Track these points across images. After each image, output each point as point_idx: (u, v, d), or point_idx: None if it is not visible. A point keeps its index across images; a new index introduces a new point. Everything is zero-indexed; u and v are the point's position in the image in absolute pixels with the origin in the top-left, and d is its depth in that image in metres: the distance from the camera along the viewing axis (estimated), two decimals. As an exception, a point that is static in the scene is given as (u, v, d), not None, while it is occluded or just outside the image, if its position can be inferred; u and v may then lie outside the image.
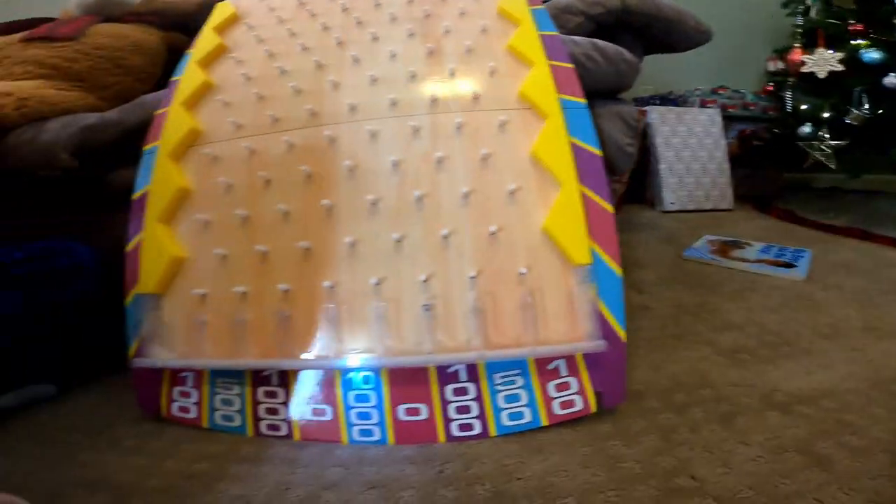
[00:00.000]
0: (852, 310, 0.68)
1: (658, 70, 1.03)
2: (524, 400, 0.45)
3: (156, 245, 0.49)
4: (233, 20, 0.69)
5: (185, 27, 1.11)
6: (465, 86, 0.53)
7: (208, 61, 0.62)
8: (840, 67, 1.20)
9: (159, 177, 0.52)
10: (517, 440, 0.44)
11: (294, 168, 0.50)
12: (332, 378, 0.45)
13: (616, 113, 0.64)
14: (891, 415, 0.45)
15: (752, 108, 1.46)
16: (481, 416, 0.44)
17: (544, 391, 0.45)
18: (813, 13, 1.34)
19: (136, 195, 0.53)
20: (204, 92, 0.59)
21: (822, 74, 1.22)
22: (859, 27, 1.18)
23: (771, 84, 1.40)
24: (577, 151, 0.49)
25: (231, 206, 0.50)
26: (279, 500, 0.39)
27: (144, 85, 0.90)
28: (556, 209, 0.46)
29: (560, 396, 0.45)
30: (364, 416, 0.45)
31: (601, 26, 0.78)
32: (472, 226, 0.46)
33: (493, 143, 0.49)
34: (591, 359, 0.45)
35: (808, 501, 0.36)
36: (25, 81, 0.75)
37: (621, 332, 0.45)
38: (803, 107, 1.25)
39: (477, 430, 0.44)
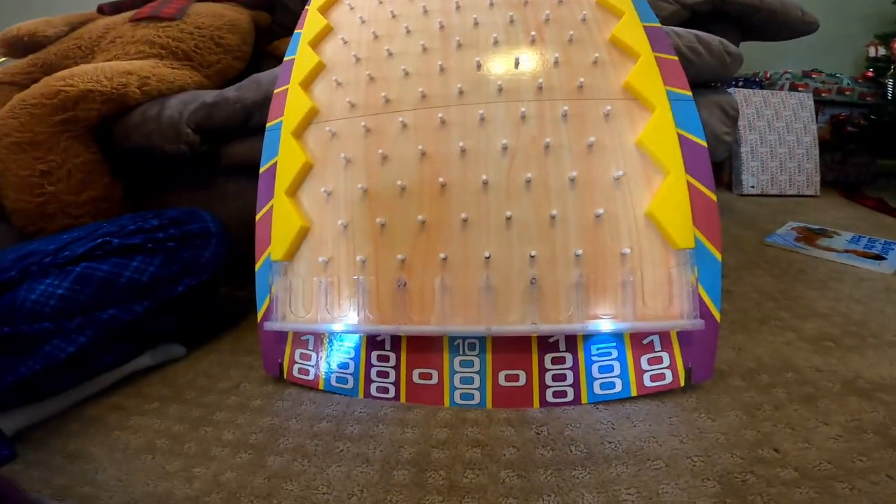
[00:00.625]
0: None
1: (744, 50, 0.99)
2: (617, 371, 0.49)
3: (285, 215, 0.56)
4: (334, 1, 0.73)
5: (269, 5, 1.18)
6: (569, 75, 0.56)
7: (317, 41, 0.68)
8: None
9: (285, 152, 0.59)
10: (606, 408, 0.49)
11: (409, 146, 0.55)
12: (441, 344, 0.52)
13: (716, 103, 0.65)
14: (975, 409, 0.47)
15: (847, 93, 1.38)
16: (575, 385, 0.49)
17: (637, 364, 0.49)
18: None
19: (264, 168, 0.60)
20: (318, 72, 0.64)
21: None
22: None
23: (871, 70, 1.32)
24: (683, 142, 0.51)
25: (351, 180, 0.56)
26: (394, 458, 0.45)
27: (239, 63, 0.98)
28: (661, 195, 0.49)
29: (651, 370, 0.49)
30: (467, 380, 0.51)
31: (696, 14, 0.76)
32: (579, 208, 0.50)
33: (598, 131, 0.52)
34: (685, 336, 0.48)
35: (881, 477, 0.39)
36: (142, 61, 0.83)
37: (716, 314, 0.48)
38: None
39: (570, 397, 0.49)
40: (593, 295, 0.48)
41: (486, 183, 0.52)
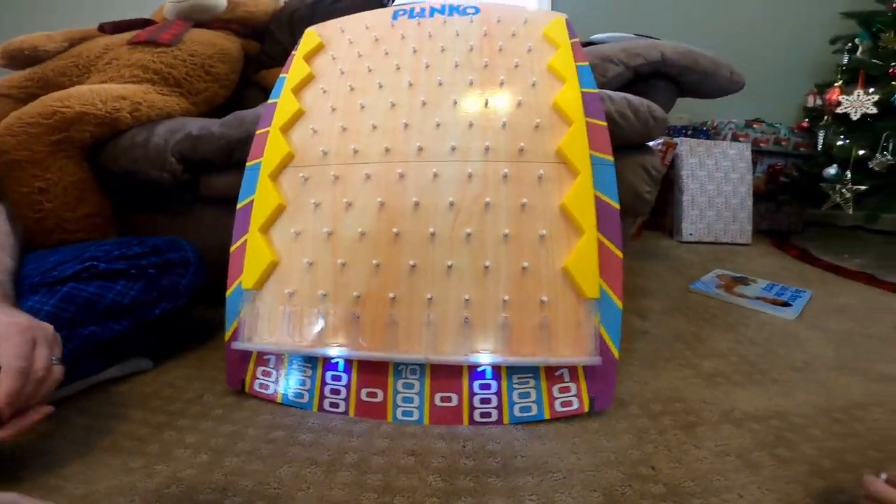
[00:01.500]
0: (830, 349, 0.81)
1: (696, 100, 1.12)
2: (533, 397, 0.60)
3: (258, 250, 0.65)
4: (318, 49, 0.82)
5: (259, 34, 1.26)
6: (513, 138, 0.67)
7: (299, 88, 0.77)
8: (873, 110, 1.26)
9: (261, 192, 0.68)
10: (524, 428, 0.60)
11: (371, 196, 0.65)
12: (387, 368, 0.61)
13: (640, 163, 0.76)
14: (824, 435, 0.59)
15: (783, 143, 1.52)
16: (498, 407, 0.60)
17: (550, 392, 0.60)
18: (860, 52, 1.39)
19: (242, 204, 0.69)
20: (297, 118, 0.73)
21: (854, 116, 1.28)
22: None
23: (806, 120, 1.46)
24: (599, 204, 0.62)
25: (318, 223, 0.65)
26: (339, 462, 0.54)
27: (226, 91, 1.06)
28: (576, 253, 0.60)
29: (561, 397, 0.60)
30: (408, 400, 0.60)
31: (639, 75, 0.89)
32: (509, 261, 0.60)
33: (531, 193, 0.63)
34: (589, 371, 0.59)
35: (733, 495, 0.50)
36: (133, 85, 0.91)
37: (615, 352, 0.59)
38: (838, 144, 1.31)
39: (494, 418, 0.60)
40: (515, 333, 0.59)
41: (433, 234, 0.62)
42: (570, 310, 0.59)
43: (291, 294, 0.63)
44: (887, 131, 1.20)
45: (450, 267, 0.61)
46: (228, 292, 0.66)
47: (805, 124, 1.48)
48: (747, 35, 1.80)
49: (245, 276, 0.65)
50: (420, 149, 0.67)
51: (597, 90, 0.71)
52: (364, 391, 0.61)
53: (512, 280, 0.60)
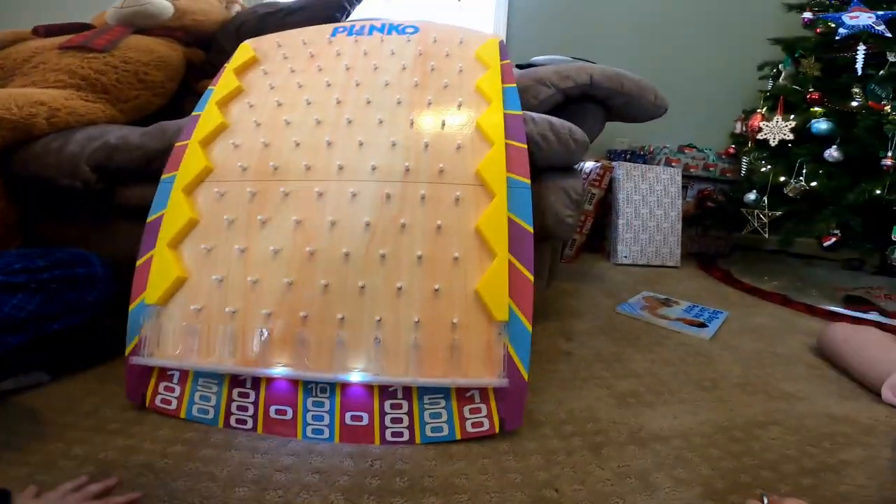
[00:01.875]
0: (738, 368, 0.86)
1: (636, 125, 1.17)
2: (444, 418, 0.60)
3: (164, 265, 0.63)
4: (251, 63, 0.82)
5: (206, 43, 1.24)
6: (434, 159, 0.68)
7: (226, 101, 0.76)
8: (790, 136, 1.34)
9: (173, 207, 0.66)
10: (434, 448, 0.60)
11: (287, 214, 0.65)
12: (297, 386, 0.60)
13: (562, 188, 0.80)
14: (722, 454, 0.62)
15: (711, 168, 1.63)
16: (410, 427, 0.60)
17: (461, 413, 0.60)
18: (782, 78, 1.49)
19: (151, 218, 0.67)
20: (220, 132, 0.72)
21: (773, 142, 1.36)
22: (815, 96, 1.32)
23: (733, 147, 1.55)
24: (512, 225, 0.64)
25: (231, 240, 0.64)
26: (239, 478, 0.53)
27: (160, 99, 1.04)
28: (488, 276, 0.62)
29: (472, 418, 0.60)
30: (318, 418, 0.60)
31: (569, 98, 0.93)
32: (422, 282, 0.61)
33: (447, 214, 0.65)
34: (499, 392, 0.60)
35: None
36: (57, 90, 0.87)
37: (525, 374, 0.61)
38: (760, 170, 1.40)
39: (406, 437, 0.60)
40: (426, 354, 0.59)
41: (347, 254, 0.62)
42: (480, 332, 0.60)
43: (199, 310, 0.61)
44: (802, 158, 1.29)
45: (362, 287, 0.61)
46: (131, 307, 0.63)
47: (731, 150, 1.55)
48: (682, 59, 1.90)
49: (149, 292, 0.63)
50: (341, 167, 0.67)
51: (521, 112, 0.74)
52: (273, 408, 0.60)
53: (424, 302, 0.61)
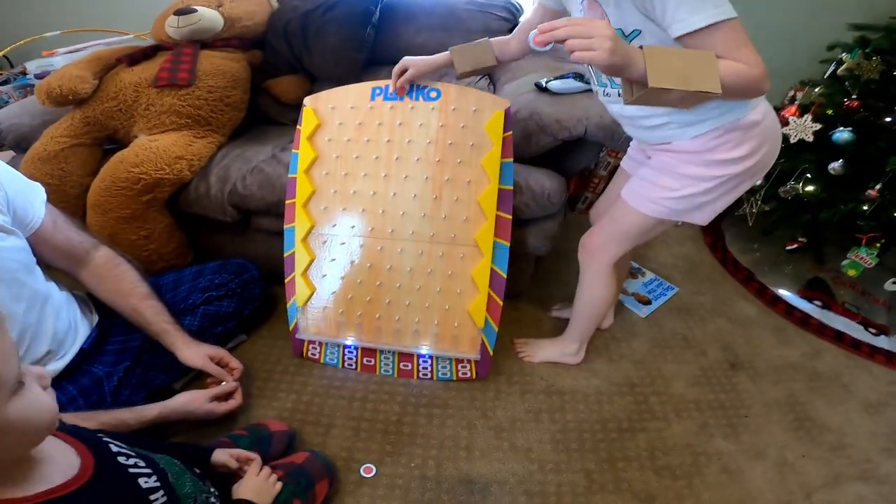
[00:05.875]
0: (643, 347, 1.46)
1: None
2: (448, 369, 1.31)
3: (302, 286, 1.27)
4: (317, 129, 1.27)
5: (259, 43, 1.58)
6: (449, 228, 1.21)
7: (308, 168, 1.26)
8: (810, 138, 1.48)
9: (299, 250, 1.26)
10: (443, 384, 1.32)
11: (364, 259, 1.24)
12: (376, 350, 1.31)
13: (541, 229, 1.30)
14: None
15: None
16: (431, 371, 1.31)
17: (457, 367, 1.30)
18: (841, 70, 1.52)
19: (287, 253, 1.28)
20: (311, 196, 1.25)
21: (793, 139, 1.49)
22: (854, 104, 1.44)
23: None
24: (493, 274, 1.21)
25: (336, 272, 1.26)
26: (350, 393, 1.29)
27: (242, 112, 1.51)
28: (476, 302, 1.22)
29: (462, 370, 1.30)
30: (386, 364, 1.32)
31: (566, 143, 1.32)
32: (440, 303, 1.23)
33: (456, 267, 1.22)
34: (477, 360, 1.29)
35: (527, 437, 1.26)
36: (177, 133, 1.37)
37: (490, 351, 1.26)
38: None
39: (429, 376, 1.32)
40: (441, 338, 1.26)
41: (398, 287, 1.23)
42: (469, 330, 1.25)
43: (324, 308, 1.29)
44: (807, 164, 1.49)
45: (408, 304, 1.24)
46: (288, 303, 1.31)
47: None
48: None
49: (298, 297, 1.29)
50: (392, 231, 1.23)
51: (511, 187, 1.21)
52: (365, 359, 1.33)
53: (441, 313, 1.24)
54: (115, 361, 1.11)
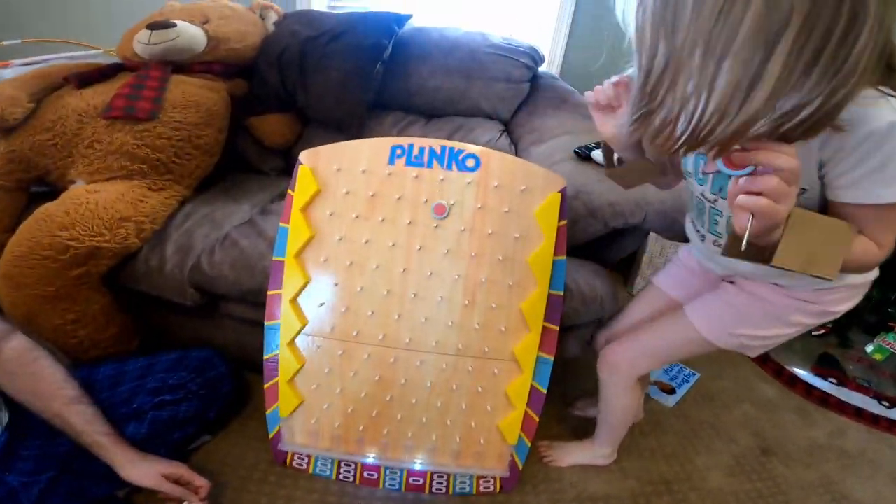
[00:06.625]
0: (674, 440, 1.35)
1: None
2: (468, 483, 1.13)
3: (287, 396, 1.02)
4: (315, 197, 0.96)
5: (247, 71, 1.20)
6: (482, 339, 0.98)
7: (301, 251, 0.97)
8: None
9: (284, 357, 0.99)
10: (459, 497, 1.15)
11: (371, 371, 1.00)
12: (381, 466, 1.10)
13: (578, 334, 1.11)
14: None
15: None
16: (446, 485, 1.13)
17: (478, 481, 1.13)
18: None
19: (268, 356, 1.01)
20: (304, 287, 0.97)
21: None
22: None
23: None
24: (533, 391, 1.02)
25: (332, 384, 1.01)
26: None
27: (215, 157, 1.17)
28: (510, 419, 1.03)
29: (484, 483, 1.14)
30: (392, 478, 1.12)
31: (615, 229, 1.09)
32: (465, 420, 1.03)
33: (487, 382, 1.01)
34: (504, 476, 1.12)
35: None
36: (125, 183, 1.02)
37: (520, 466, 1.10)
38: None
39: (444, 491, 1.14)
40: (462, 455, 1.08)
41: (414, 402, 1.01)
42: (497, 447, 1.07)
43: (315, 421, 1.05)
44: None
45: (424, 421, 1.03)
46: (268, 411, 1.06)
47: None
48: None
49: (281, 407, 1.04)
50: (409, 341, 0.98)
51: (562, 292, 0.98)
52: (366, 472, 1.12)
53: (464, 430, 1.05)
54: (35, 470, 0.90)
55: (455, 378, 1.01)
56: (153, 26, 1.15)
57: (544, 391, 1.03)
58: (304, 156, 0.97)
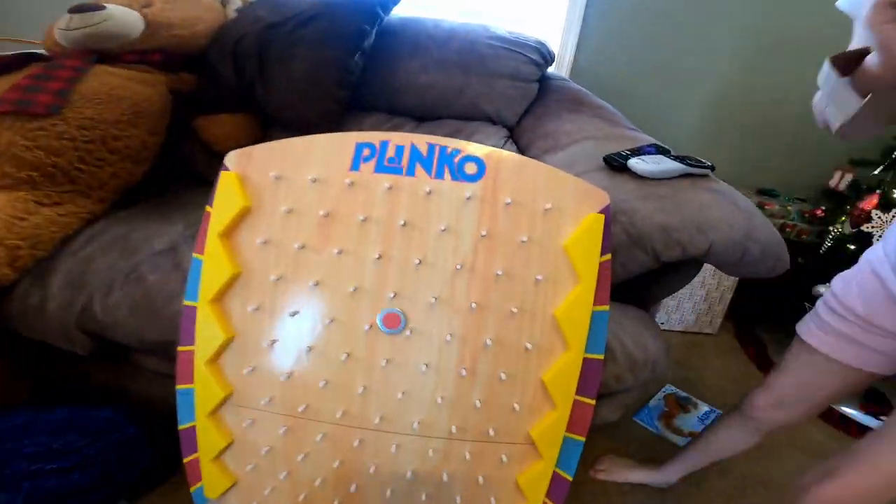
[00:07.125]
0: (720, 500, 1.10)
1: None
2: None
3: (213, 475, 0.75)
4: (243, 216, 0.62)
5: (196, 63, 1.05)
6: (485, 419, 0.69)
7: (220, 296, 0.65)
8: None
9: (203, 430, 0.71)
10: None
11: (326, 455, 0.71)
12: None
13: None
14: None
15: (788, 230, 1.48)
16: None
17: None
18: None
19: (184, 427, 0.73)
20: (226, 346, 0.67)
21: (875, 239, 1.20)
22: None
23: (822, 209, 1.40)
24: (554, 478, 0.74)
25: (274, 467, 0.73)
26: None
27: (145, 164, 0.90)
28: None
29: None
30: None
31: (664, 264, 0.75)
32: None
33: (490, 471, 0.72)
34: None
35: None
36: (8, 197, 0.70)
37: (569, 479, 0.83)
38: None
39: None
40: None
41: (389, 494, 0.74)
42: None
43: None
44: None
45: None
46: (192, 489, 0.80)
47: (820, 212, 1.41)
48: (784, 80, 1.65)
49: (207, 488, 0.77)
50: (381, 420, 0.69)
51: (601, 356, 0.67)
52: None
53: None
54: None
55: (446, 466, 0.73)
56: (75, 9, 0.95)
57: (570, 478, 0.75)
58: (230, 158, 0.63)
